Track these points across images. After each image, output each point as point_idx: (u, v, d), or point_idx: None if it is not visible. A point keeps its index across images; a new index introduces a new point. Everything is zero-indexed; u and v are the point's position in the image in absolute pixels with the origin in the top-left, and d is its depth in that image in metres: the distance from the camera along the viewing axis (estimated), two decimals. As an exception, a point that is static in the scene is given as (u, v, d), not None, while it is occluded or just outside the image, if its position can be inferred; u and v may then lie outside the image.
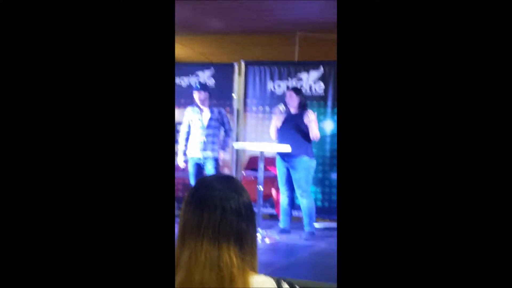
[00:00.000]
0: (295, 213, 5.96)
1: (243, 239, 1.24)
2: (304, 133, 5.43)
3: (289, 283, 1.26)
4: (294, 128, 5.43)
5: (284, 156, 5.46)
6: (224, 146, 5.92)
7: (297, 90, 5.69)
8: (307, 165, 5.43)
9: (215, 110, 5.83)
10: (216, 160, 5.78)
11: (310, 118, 5.38)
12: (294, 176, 5.45)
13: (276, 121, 5.58)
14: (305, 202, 5.47)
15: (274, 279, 1.25)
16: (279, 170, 5.60)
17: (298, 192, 5.47)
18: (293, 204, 5.68)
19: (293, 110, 5.54)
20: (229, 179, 1.30)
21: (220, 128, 5.89)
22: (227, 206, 1.23)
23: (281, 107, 5.49)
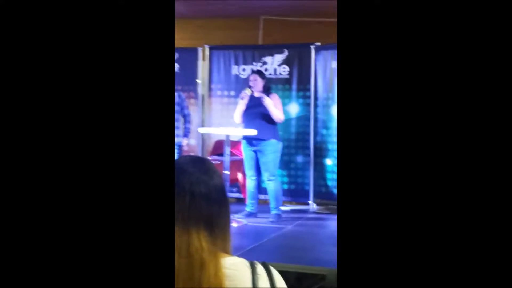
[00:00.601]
0: (261, 196, 5.99)
1: (214, 224, 1.23)
2: (270, 116, 5.45)
3: (262, 263, 1.27)
4: (259, 111, 5.44)
5: (251, 140, 5.47)
6: (186, 133, 5.88)
7: (261, 74, 5.70)
8: (275, 148, 5.46)
9: (175, 94, 5.77)
10: (179, 146, 5.75)
11: (266, 102, 5.38)
12: (262, 159, 5.47)
13: (241, 105, 5.58)
14: (272, 185, 5.50)
15: (247, 260, 1.26)
16: (246, 154, 5.61)
17: (265, 176, 5.50)
18: (259, 187, 5.71)
19: (258, 93, 5.54)
20: (201, 161, 1.29)
21: (180, 113, 5.84)
22: (196, 190, 1.22)
23: (248, 91, 5.49)
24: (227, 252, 1.26)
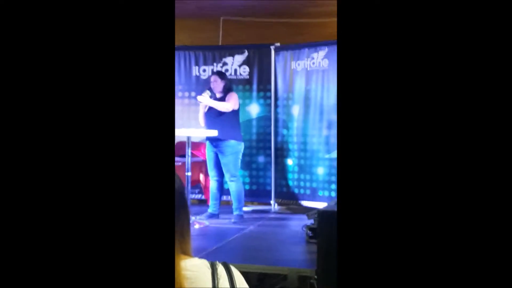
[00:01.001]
0: (224, 197, 5.99)
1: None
2: (230, 117, 5.45)
3: (223, 263, 1.27)
4: (219, 112, 5.44)
5: (212, 140, 5.47)
6: None
7: (221, 74, 5.70)
8: (235, 149, 5.46)
9: None
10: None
11: (202, 101, 5.43)
12: (222, 160, 5.47)
13: (201, 108, 5.59)
14: (234, 186, 5.51)
15: (208, 261, 1.26)
16: (208, 155, 5.61)
17: (227, 177, 5.50)
18: (222, 188, 5.71)
19: (219, 94, 5.55)
20: None
21: None
22: None
23: (206, 93, 5.49)
24: (187, 253, 1.26)
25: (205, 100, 5.40)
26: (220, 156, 5.48)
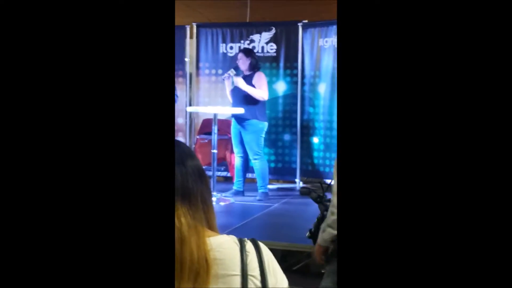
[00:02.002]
0: (249, 175, 6.02)
1: (192, 197, 1.25)
2: (252, 96, 5.45)
3: (251, 240, 1.28)
4: (243, 91, 5.45)
5: (237, 118, 5.49)
6: None
7: (247, 52, 5.69)
8: (256, 128, 5.46)
9: None
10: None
11: (238, 83, 5.43)
12: (245, 138, 5.49)
13: (227, 86, 5.61)
14: (258, 164, 5.53)
15: (236, 237, 1.27)
16: (233, 132, 5.64)
17: (250, 155, 5.52)
18: (247, 166, 5.73)
19: (246, 72, 5.55)
20: (176, 144, 1.30)
21: None
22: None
23: (231, 72, 5.50)
24: (212, 227, 1.27)
25: (240, 82, 5.41)
26: (242, 134, 5.50)
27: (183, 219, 1.22)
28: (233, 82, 5.55)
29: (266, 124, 5.59)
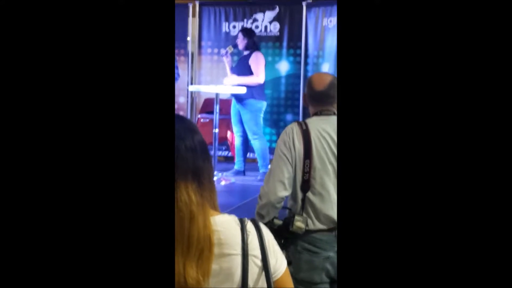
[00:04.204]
0: (250, 155, 6.01)
1: (201, 175, 1.24)
2: (251, 74, 5.43)
3: (252, 220, 1.27)
4: (242, 69, 5.43)
5: (236, 98, 5.47)
6: None
7: (244, 31, 5.66)
8: (254, 107, 5.44)
9: None
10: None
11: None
12: (243, 118, 5.48)
13: (226, 63, 5.60)
14: (258, 144, 5.52)
15: (237, 217, 1.27)
16: (232, 112, 5.63)
17: (249, 135, 5.51)
18: (247, 145, 5.71)
19: (244, 51, 5.54)
20: (181, 119, 1.29)
21: None
22: (181, 145, 1.22)
23: (230, 48, 5.49)
24: (214, 206, 1.26)
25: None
26: (241, 113, 5.48)
27: (193, 196, 1.21)
28: (232, 60, 5.54)
29: (264, 103, 5.55)
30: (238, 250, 1.22)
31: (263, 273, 1.24)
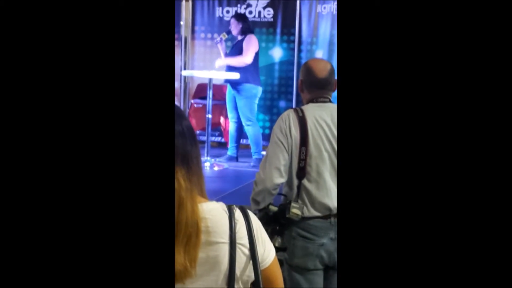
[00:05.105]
0: (243, 141, 6.00)
1: (189, 161, 1.23)
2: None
3: (240, 208, 1.27)
4: (236, 54, 5.40)
5: (231, 83, 5.45)
6: None
7: (238, 16, 5.64)
8: (250, 93, 5.41)
9: None
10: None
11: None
12: (238, 103, 5.45)
13: (220, 49, 5.58)
14: (251, 130, 5.50)
15: (225, 204, 1.25)
16: (228, 97, 5.60)
17: (243, 121, 5.49)
18: (241, 131, 5.70)
19: (238, 36, 5.50)
20: None
21: None
22: None
23: (223, 35, 5.47)
24: (201, 192, 1.25)
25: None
26: (236, 98, 5.46)
27: (182, 181, 1.20)
28: (226, 46, 5.51)
29: (259, 88, 5.52)
30: (225, 238, 1.21)
31: (251, 262, 1.23)
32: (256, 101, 5.52)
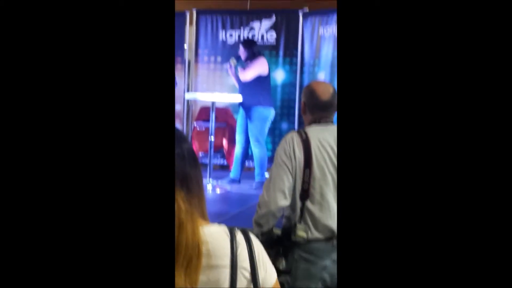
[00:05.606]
0: (247, 163, 5.99)
1: (189, 182, 1.23)
2: (258, 82, 5.42)
3: (242, 231, 1.26)
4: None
5: (243, 106, 5.46)
6: None
7: (245, 43, 5.66)
8: (262, 116, 5.42)
9: None
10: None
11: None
12: (249, 126, 5.46)
13: (232, 76, 5.61)
14: (258, 151, 5.50)
15: (227, 227, 1.25)
16: (238, 120, 5.61)
17: (252, 141, 5.49)
18: (246, 155, 5.70)
19: (247, 62, 5.53)
20: None
21: None
22: None
23: (232, 61, 5.48)
24: (203, 215, 1.24)
25: (244, 77, 5.46)
26: (248, 121, 5.47)
27: (181, 203, 1.19)
28: (236, 72, 5.52)
29: (272, 111, 5.50)
30: (227, 261, 1.20)
31: (252, 285, 1.22)
32: (268, 123, 5.51)
